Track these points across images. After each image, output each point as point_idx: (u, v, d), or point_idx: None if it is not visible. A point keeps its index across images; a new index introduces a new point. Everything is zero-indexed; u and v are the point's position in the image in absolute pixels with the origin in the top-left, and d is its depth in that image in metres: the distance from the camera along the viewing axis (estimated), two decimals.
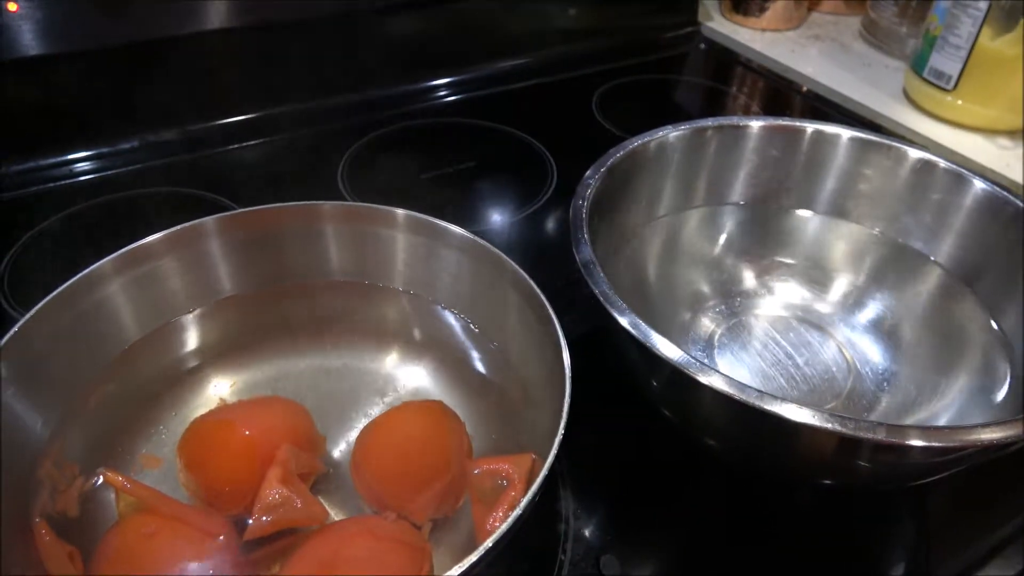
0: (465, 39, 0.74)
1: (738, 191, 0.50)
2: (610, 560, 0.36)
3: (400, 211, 0.40)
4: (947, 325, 0.45)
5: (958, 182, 0.45)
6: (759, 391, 0.31)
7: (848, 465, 0.35)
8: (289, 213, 0.41)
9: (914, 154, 0.47)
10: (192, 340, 0.41)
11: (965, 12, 0.65)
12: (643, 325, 0.33)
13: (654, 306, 0.46)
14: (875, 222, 0.48)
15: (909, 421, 0.41)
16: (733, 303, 0.49)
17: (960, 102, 0.69)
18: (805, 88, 0.79)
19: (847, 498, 0.41)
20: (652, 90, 0.79)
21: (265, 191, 0.56)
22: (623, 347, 0.36)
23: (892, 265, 0.48)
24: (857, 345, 0.46)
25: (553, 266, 0.44)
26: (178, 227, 0.39)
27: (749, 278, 0.50)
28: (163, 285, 0.39)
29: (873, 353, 0.45)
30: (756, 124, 0.49)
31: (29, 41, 0.53)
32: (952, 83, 0.68)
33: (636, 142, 0.46)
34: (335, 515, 0.34)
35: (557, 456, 0.29)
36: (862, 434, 0.29)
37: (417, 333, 0.43)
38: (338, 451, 0.37)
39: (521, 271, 0.37)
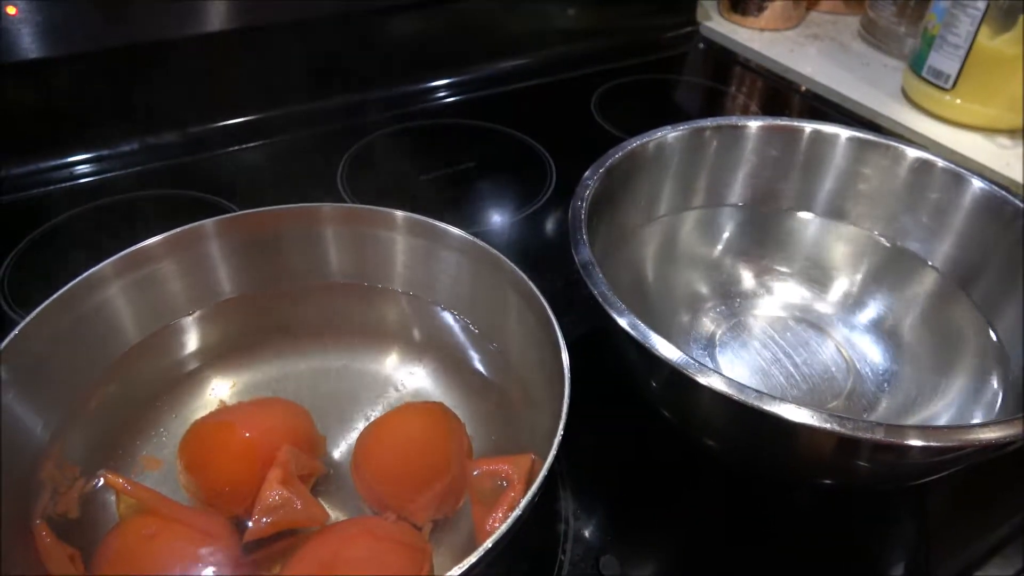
0: (465, 39, 0.74)
1: (737, 191, 0.50)
2: (610, 560, 0.36)
3: (399, 213, 0.41)
4: (945, 327, 0.45)
5: (957, 182, 0.45)
6: (758, 391, 0.31)
7: (847, 465, 0.35)
8: (289, 215, 0.41)
9: (912, 153, 0.47)
10: (192, 342, 0.41)
11: (963, 11, 0.65)
12: (642, 326, 0.33)
13: (653, 307, 0.46)
14: (874, 222, 0.49)
15: (909, 421, 0.41)
16: (733, 303, 0.49)
17: (959, 101, 0.69)
18: (804, 88, 0.79)
19: (846, 498, 0.41)
20: (651, 90, 0.79)
21: (265, 193, 0.56)
22: (622, 348, 0.36)
23: (890, 267, 0.48)
24: (856, 345, 0.46)
25: (552, 267, 0.45)
26: (178, 229, 0.39)
27: (748, 278, 0.50)
28: (163, 287, 0.39)
29: (872, 353, 0.46)
30: (755, 124, 0.49)
31: (29, 44, 0.53)
32: (951, 82, 0.68)
33: (635, 143, 0.46)
34: (335, 516, 0.34)
35: (557, 457, 0.29)
36: (861, 434, 0.30)
37: (417, 334, 0.43)
38: (338, 452, 0.37)
39: (520, 272, 0.37)
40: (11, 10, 0.51)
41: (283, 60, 0.65)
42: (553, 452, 0.29)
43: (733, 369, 0.45)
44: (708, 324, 0.47)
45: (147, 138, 0.61)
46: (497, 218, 0.58)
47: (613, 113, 0.72)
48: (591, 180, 0.42)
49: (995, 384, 0.41)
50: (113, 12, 0.55)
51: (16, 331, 0.32)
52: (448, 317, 0.42)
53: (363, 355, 0.41)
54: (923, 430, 0.30)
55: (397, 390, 0.40)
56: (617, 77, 0.78)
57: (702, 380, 0.31)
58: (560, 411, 0.30)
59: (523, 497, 0.28)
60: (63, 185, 0.58)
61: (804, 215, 0.50)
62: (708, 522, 0.39)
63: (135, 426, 0.37)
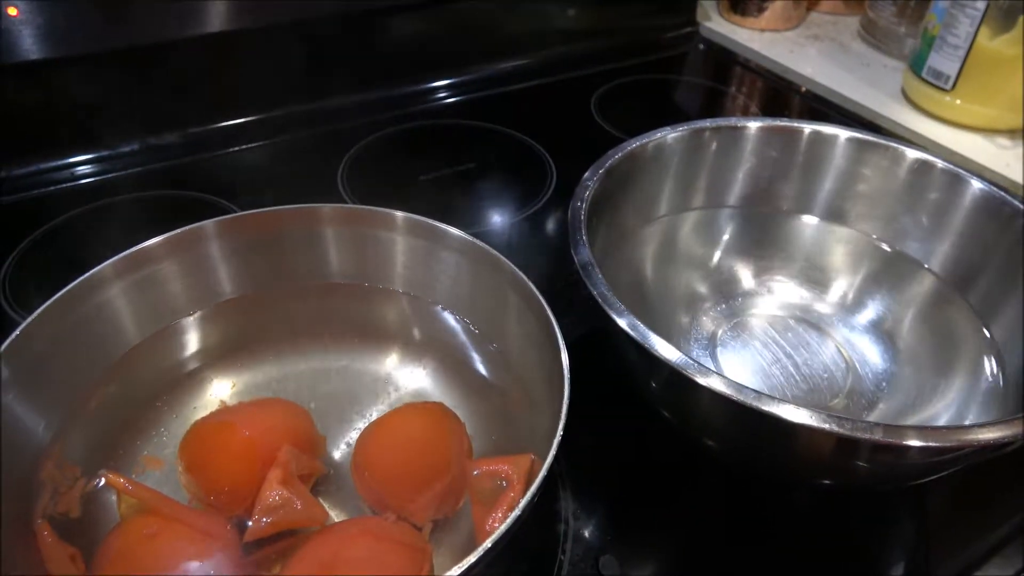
0: (465, 40, 0.74)
1: (736, 192, 0.50)
2: (609, 560, 0.36)
3: (399, 213, 0.41)
4: (944, 327, 0.45)
5: (956, 182, 0.45)
6: (756, 392, 0.31)
7: (846, 465, 0.35)
8: (289, 216, 0.41)
9: (912, 154, 0.47)
10: (193, 342, 0.41)
11: (963, 12, 0.65)
12: (641, 326, 0.33)
13: (653, 307, 0.46)
14: (873, 222, 0.49)
15: (908, 421, 0.41)
16: (732, 304, 0.49)
17: (959, 102, 0.69)
18: (804, 88, 0.79)
19: (846, 498, 0.41)
20: (651, 91, 0.79)
21: (265, 193, 0.56)
22: (622, 348, 0.36)
23: (889, 268, 0.48)
24: (856, 345, 0.46)
25: (552, 267, 0.45)
26: (179, 230, 0.39)
27: (747, 279, 0.50)
28: (164, 288, 0.39)
29: (872, 354, 0.46)
30: (754, 125, 0.49)
31: (30, 45, 0.53)
32: (951, 83, 0.68)
33: (634, 143, 0.46)
34: (335, 516, 0.34)
35: (556, 457, 0.29)
36: (859, 434, 0.30)
37: (417, 335, 0.43)
38: (338, 452, 0.37)
39: (520, 273, 0.37)
40: (12, 11, 0.52)
41: (283, 60, 0.65)
42: (552, 452, 0.29)
43: (733, 369, 0.45)
44: (708, 324, 0.47)
45: (148, 139, 0.61)
46: (497, 219, 0.59)
47: (613, 113, 0.72)
48: (591, 181, 0.42)
49: (994, 384, 0.41)
50: (114, 13, 0.56)
51: (17, 331, 0.33)
52: (448, 317, 0.42)
53: (363, 355, 0.42)
54: (922, 430, 0.30)
55: (397, 390, 0.40)
56: (617, 77, 0.78)
57: (701, 381, 0.31)
58: (560, 411, 0.30)
59: (523, 497, 0.28)
60: (64, 186, 0.58)
61: (803, 215, 0.50)
62: (708, 522, 0.39)
63: (136, 426, 0.37)
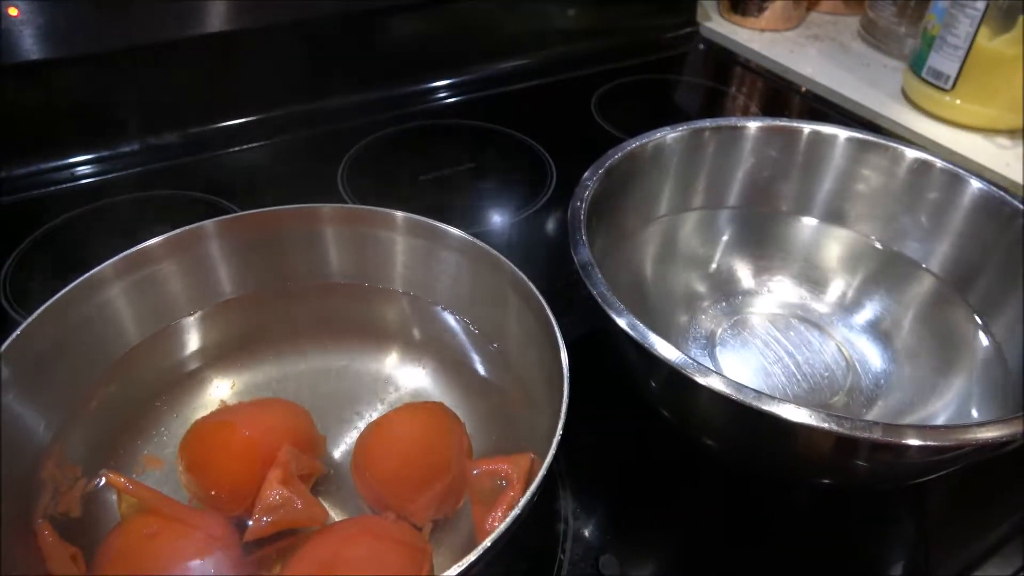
0: (465, 40, 0.74)
1: (736, 192, 0.50)
2: (609, 560, 0.36)
3: (399, 213, 0.41)
4: (944, 327, 0.45)
5: (955, 182, 0.45)
6: (756, 391, 0.31)
7: (846, 464, 0.35)
8: (289, 216, 0.41)
9: (911, 154, 0.47)
10: (193, 342, 0.41)
11: (963, 12, 0.65)
12: (641, 326, 0.34)
13: (652, 307, 0.46)
14: (872, 222, 0.49)
15: (907, 420, 0.41)
16: (732, 303, 0.49)
17: (959, 102, 0.69)
18: (804, 88, 0.79)
19: (845, 497, 0.41)
20: (651, 91, 0.79)
21: (266, 193, 0.56)
22: (621, 348, 0.36)
23: (889, 268, 0.48)
24: (855, 344, 0.46)
25: (552, 267, 0.45)
26: (179, 230, 0.39)
27: (747, 279, 0.50)
28: (164, 288, 0.39)
29: (871, 352, 0.46)
30: (753, 125, 0.49)
31: (30, 45, 0.53)
32: (950, 83, 0.68)
33: (634, 143, 0.46)
34: (335, 516, 0.35)
35: (556, 456, 0.29)
36: (859, 433, 0.30)
37: (417, 334, 0.43)
38: (338, 452, 0.37)
39: (520, 273, 0.37)
40: (13, 11, 0.52)
41: (283, 60, 0.65)
42: (552, 451, 0.29)
43: (734, 367, 0.45)
44: (707, 323, 0.47)
45: (148, 139, 0.62)
46: (497, 218, 0.59)
47: (613, 113, 0.72)
48: (591, 181, 0.42)
49: (994, 383, 0.41)
50: (114, 13, 0.56)
51: (18, 331, 0.33)
52: (448, 317, 0.42)
53: (363, 355, 0.42)
54: (921, 429, 0.30)
55: (397, 390, 0.40)
56: (617, 77, 0.78)
57: (701, 380, 0.31)
58: (559, 411, 0.30)
59: (522, 496, 0.28)
60: (64, 186, 0.58)
61: (802, 215, 0.50)
62: (707, 521, 0.39)
63: (136, 426, 0.37)
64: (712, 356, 0.45)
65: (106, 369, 0.37)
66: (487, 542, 0.26)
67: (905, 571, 0.38)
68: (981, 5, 0.64)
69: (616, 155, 0.45)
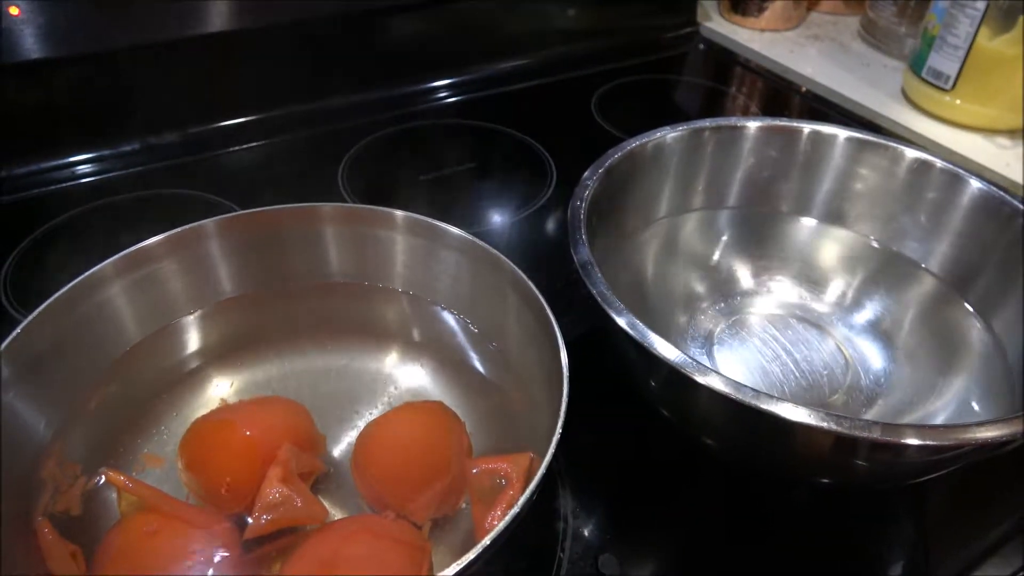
0: (465, 39, 0.74)
1: (735, 191, 0.50)
2: (608, 559, 0.36)
3: (399, 212, 0.41)
4: (943, 326, 0.45)
5: (954, 181, 0.45)
6: (755, 390, 0.31)
7: (845, 464, 0.35)
8: (289, 215, 0.41)
9: (911, 154, 0.47)
10: (193, 341, 0.41)
11: (963, 12, 0.65)
12: (640, 325, 0.34)
13: (652, 306, 0.46)
14: (872, 222, 0.49)
15: (907, 419, 0.41)
16: (731, 303, 0.49)
17: (959, 102, 0.69)
18: (804, 88, 0.79)
19: (845, 497, 0.41)
20: (651, 91, 0.79)
21: (266, 193, 0.56)
22: (621, 347, 0.36)
23: (888, 268, 0.48)
24: (855, 343, 0.46)
25: (552, 267, 0.45)
26: (179, 229, 0.39)
27: (746, 279, 0.50)
28: (164, 287, 0.40)
29: (871, 352, 0.46)
30: (753, 125, 0.49)
31: (31, 45, 0.53)
32: (951, 83, 0.68)
33: (634, 143, 0.46)
34: (335, 514, 0.35)
35: (555, 455, 0.29)
36: (858, 433, 0.30)
37: (417, 334, 0.43)
38: (338, 451, 0.37)
39: (520, 272, 0.37)
40: (14, 11, 0.52)
41: (283, 60, 0.65)
42: (551, 450, 0.29)
43: (733, 366, 0.45)
44: (706, 323, 0.47)
45: (148, 138, 0.62)
46: (497, 218, 0.59)
47: (613, 113, 0.72)
48: (590, 180, 0.42)
49: (994, 382, 0.41)
50: (114, 13, 0.56)
51: (18, 330, 0.33)
52: (448, 317, 0.42)
53: (363, 354, 0.42)
54: (920, 429, 0.30)
55: (397, 389, 0.40)
56: (617, 77, 0.78)
57: (700, 379, 0.31)
58: (559, 410, 0.30)
59: (522, 495, 0.28)
60: (65, 185, 0.58)
61: (802, 215, 0.50)
62: (707, 521, 0.40)
63: (136, 424, 0.37)
64: (710, 355, 0.45)
65: (106, 368, 0.38)
66: (486, 540, 0.26)
67: (905, 571, 0.38)
68: (981, 5, 0.64)
69: (616, 155, 0.45)
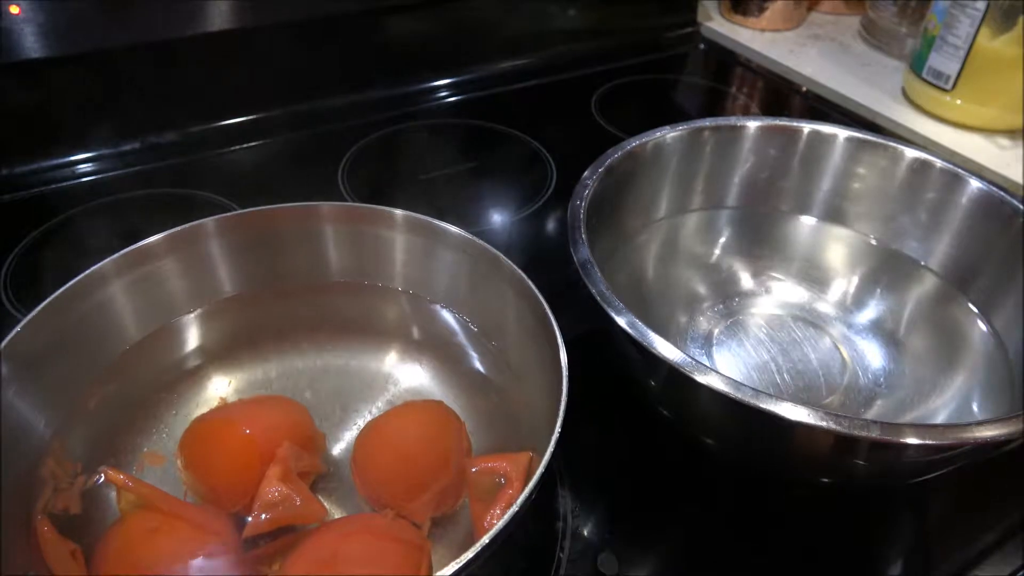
0: (465, 39, 0.74)
1: (735, 191, 0.50)
2: (608, 558, 0.36)
3: (399, 212, 0.41)
4: (943, 326, 0.45)
5: (954, 181, 0.45)
6: (754, 390, 0.31)
7: (845, 463, 0.35)
8: (289, 214, 0.41)
9: (911, 153, 0.47)
10: (192, 340, 0.41)
11: (963, 12, 0.65)
12: (640, 325, 0.34)
13: (652, 306, 0.46)
14: (872, 222, 0.49)
15: (908, 418, 0.41)
16: (731, 303, 0.49)
17: (959, 102, 0.69)
18: (804, 88, 0.79)
19: (844, 496, 0.41)
20: (651, 90, 0.79)
21: (265, 192, 0.56)
22: (621, 347, 0.36)
23: (888, 268, 0.48)
24: (854, 343, 0.46)
25: (552, 266, 0.45)
26: (179, 228, 0.39)
27: (746, 278, 0.50)
28: (164, 286, 0.40)
29: (870, 351, 0.46)
30: (753, 124, 0.49)
31: (31, 44, 0.53)
32: (951, 83, 0.68)
33: (634, 143, 0.46)
34: (335, 513, 0.35)
35: (555, 454, 0.29)
36: (857, 432, 0.30)
37: (416, 333, 0.43)
38: (338, 450, 0.37)
39: (520, 271, 0.37)
40: (14, 10, 0.52)
41: (283, 60, 0.65)
42: (551, 450, 0.29)
43: (731, 366, 0.45)
44: (705, 323, 0.47)
45: (148, 137, 0.62)
46: (497, 218, 0.59)
47: (613, 113, 0.72)
48: (590, 180, 0.42)
49: (994, 381, 0.41)
50: (115, 12, 0.56)
51: (18, 328, 0.33)
52: (448, 316, 0.42)
53: (363, 353, 0.42)
54: (919, 428, 0.30)
55: (396, 388, 0.40)
56: (617, 77, 0.78)
57: (700, 379, 0.31)
58: (558, 409, 0.30)
59: (521, 494, 0.28)
60: (65, 184, 0.58)
61: (802, 215, 0.50)
62: (706, 520, 0.39)
63: (136, 423, 0.37)
64: (710, 355, 0.45)
65: (106, 366, 0.38)
66: (485, 539, 0.26)
67: (904, 570, 0.38)
68: (982, 5, 0.64)
69: (616, 154, 0.45)
